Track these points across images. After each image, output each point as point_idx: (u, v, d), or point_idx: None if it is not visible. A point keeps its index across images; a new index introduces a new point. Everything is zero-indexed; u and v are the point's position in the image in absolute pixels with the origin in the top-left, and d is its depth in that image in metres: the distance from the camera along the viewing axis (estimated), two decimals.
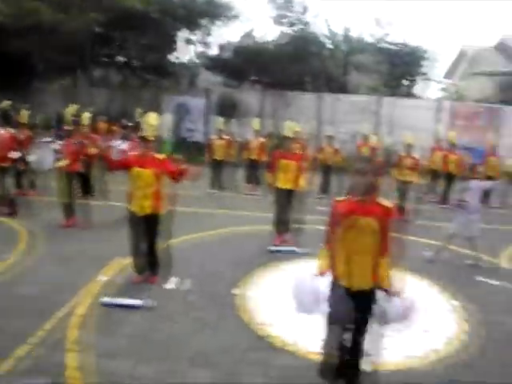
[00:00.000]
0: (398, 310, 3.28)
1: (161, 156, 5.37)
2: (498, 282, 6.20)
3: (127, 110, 16.55)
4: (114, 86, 20.52)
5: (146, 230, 5.30)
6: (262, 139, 12.10)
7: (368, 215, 3.20)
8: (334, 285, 3.37)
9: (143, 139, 5.23)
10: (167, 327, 4.43)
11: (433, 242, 7.44)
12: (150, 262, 5.46)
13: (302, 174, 7.28)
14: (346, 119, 17.27)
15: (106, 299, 4.85)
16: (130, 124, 12.20)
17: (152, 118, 5.35)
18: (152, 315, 4.65)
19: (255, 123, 12.05)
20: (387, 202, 3.31)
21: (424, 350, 4.25)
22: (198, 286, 5.45)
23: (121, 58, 20.95)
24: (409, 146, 9.79)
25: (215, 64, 21.27)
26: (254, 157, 11.84)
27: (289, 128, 7.31)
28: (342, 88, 20.76)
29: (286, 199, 7.25)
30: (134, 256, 5.41)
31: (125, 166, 5.30)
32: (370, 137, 11.97)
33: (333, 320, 3.36)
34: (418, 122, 16.55)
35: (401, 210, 9.46)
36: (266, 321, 4.63)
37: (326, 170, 11.84)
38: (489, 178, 11.67)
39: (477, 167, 7.15)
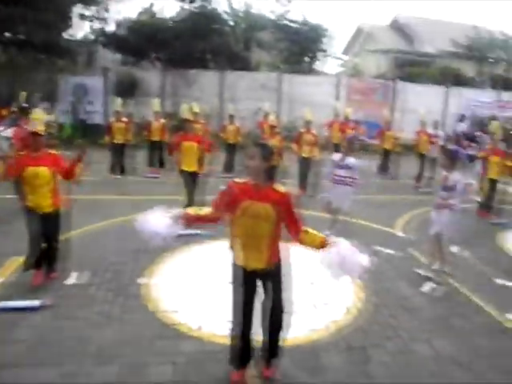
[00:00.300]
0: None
1: (53, 152, 5.01)
2: (392, 251, 6.65)
3: (17, 92, 15.29)
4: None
5: (47, 227, 4.93)
6: (162, 120, 11.76)
7: (262, 201, 3.18)
8: (235, 267, 3.38)
9: (34, 134, 4.80)
10: (69, 325, 4.21)
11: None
12: (49, 258, 5.12)
13: (203, 155, 7.25)
14: (247, 96, 17.41)
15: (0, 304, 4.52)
16: (15, 109, 11.23)
17: (39, 113, 5.01)
18: (52, 314, 4.39)
19: (155, 104, 11.68)
20: (284, 188, 3.28)
21: (325, 322, 4.47)
22: (101, 278, 5.24)
23: (7, 35, 19.11)
24: (308, 123, 10.04)
25: (113, 41, 20.20)
26: (155, 138, 11.50)
27: (187, 110, 7.22)
28: (244, 65, 20.77)
29: (192, 182, 7.24)
30: (32, 253, 4.94)
31: (17, 171, 4.81)
32: (271, 114, 12.16)
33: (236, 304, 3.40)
34: (318, 97, 17.15)
35: (302, 185, 9.80)
36: (171, 308, 4.59)
37: (230, 148, 11.88)
38: (385, 151, 12.50)
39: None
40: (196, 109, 11.27)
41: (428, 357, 4.00)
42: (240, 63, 20.75)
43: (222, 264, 5.63)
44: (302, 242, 3.31)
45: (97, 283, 5.12)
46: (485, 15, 60.61)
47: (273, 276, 3.37)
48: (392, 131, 12.85)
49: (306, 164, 9.88)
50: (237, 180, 3.34)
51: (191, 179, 7.19)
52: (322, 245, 3.26)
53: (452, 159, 5.74)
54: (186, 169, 7.14)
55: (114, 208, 8.12)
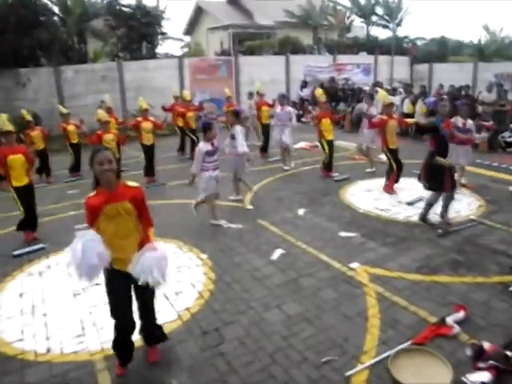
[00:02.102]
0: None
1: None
2: (234, 225, 6.84)
3: None
4: None
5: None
6: None
7: (120, 200, 3.28)
8: (108, 272, 3.39)
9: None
10: None
11: (186, 200, 7.75)
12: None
13: (31, 165, 6.85)
14: (89, 90, 16.51)
15: None
16: None
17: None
18: None
19: None
20: (134, 183, 3.45)
21: (177, 312, 4.46)
22: None
23: None
24: (145, 111, 9.84)
25: None
26: None
27: (3, 122, 6.65)
28: (81, 58, 19.59)
29: (29, 195, 6.71)
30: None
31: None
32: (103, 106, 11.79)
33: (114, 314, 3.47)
34: (162, 81, 16.86)
35: (150, 173, 9.66)
36: (15, 338, 4.21)
37: (75, 148, 11.09)
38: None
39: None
40: (28, 116, 10.46)
41: (279, 321, 4.20)
42: (76, 56, 19.52)
43: (68, 276, 5.39)
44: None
45: None
46: None
47: None
48: (233, 105, 12.93)
49: (149, 151, 9.75)
50: (90, 195, 3.36)
51: (26, 194, 6.67)
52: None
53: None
54: (16, 184, 6.61)
55: None
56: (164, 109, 12.43)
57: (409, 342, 3.75)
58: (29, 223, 6.77)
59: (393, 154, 8.03)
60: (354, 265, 5.29)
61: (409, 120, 8.30)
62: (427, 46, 27.24)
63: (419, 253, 5.58)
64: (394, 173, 8.10)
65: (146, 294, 3.54)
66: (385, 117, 7.96)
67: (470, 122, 7.80)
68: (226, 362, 3.67)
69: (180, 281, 5.11)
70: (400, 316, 4.20)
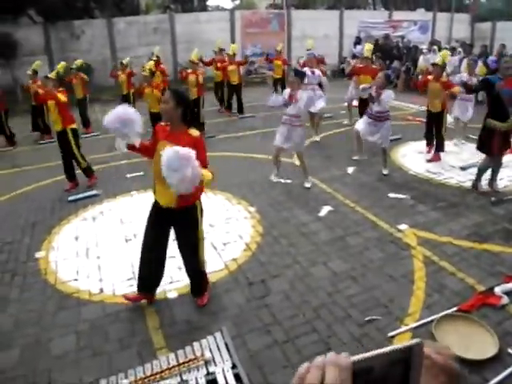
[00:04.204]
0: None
1: None
2: (289, 181, 6.82)
3: None
4: None
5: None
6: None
7: (175, 143, 3.25)
8: (152, 206, 3.67)
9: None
10: None
11: (235, 153, 7.79)
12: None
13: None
14: (140, 42, 16.58)
15: None
16: None
17: None
18: None
19: (36, 64, 10.40)
20: (196, 132, 3.48)
21: (224, 262, 4.57)
22: None
23: None
24: (193, 63, 9.80)
25: None
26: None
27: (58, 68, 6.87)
28: (133, 10, 19.63)
29: (62, 142, 6.87)
30: None
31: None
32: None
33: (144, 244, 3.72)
34: (213, 34, 16.65)
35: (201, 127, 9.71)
36: (71, 277, 4.46)
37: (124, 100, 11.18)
38: (275, 80, 12.53)
39: None
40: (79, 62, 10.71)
41: (325, 277, 4.23)
42: (129, 8, 19.57)
43: (121, 222, 5.61)
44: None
45: None
46: None
47: (181, 217, 3.58)
48: (281, 59, 12.66)
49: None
50: (162, 123, 3.60)
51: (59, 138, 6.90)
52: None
53: (299, 77, 6.28)
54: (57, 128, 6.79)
55: (6, 183, 7.57)
56: (203, 62, 12.16)
57: (454, 309, 3.70)
58: (66, 171, 6.95)
59: (431, 118, 7.59)
60: (403, 226, 5.21)
61: (454, 87, 7.55)
62: (490, 2, 25.50)
63: (470, 219, 5.41)
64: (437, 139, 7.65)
65: (183, 236, 3.67)
66: (430, 77, 7.43)
67: None
68: (270, 313, 3.75)
69: (228, 232, 5.21)
70: (447, 281, 4.12)
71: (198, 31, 17.20)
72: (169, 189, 3.21)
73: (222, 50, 12.37)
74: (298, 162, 6.86)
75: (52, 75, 6.98)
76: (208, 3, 22.87)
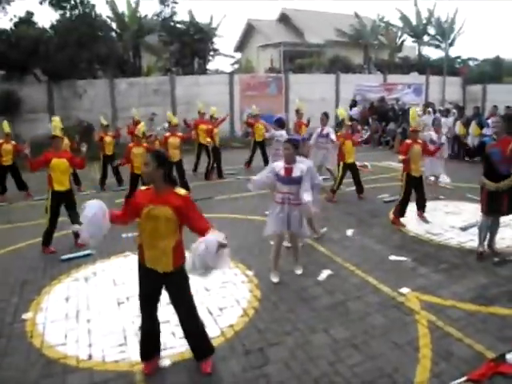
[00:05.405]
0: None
1: None
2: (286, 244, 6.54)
3: None
4: None
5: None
6: (13, 142, 10.40)
7: (163, 204, 3.34)
8: (141, 268, 3.57)
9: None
10: None
11: (232, 215, 7.71)
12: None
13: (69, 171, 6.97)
14: (140, 103, 16.92)
15: None
16: None
17: None
18: None
19: (4, 125, 10.24)
20: (183, 191, 3.49)
21: (220, 328, 4.36)
22: None
23: None
24: (174, 126, 10.00)
25: None
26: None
27: (54, 127, 6.77)
28: (135, 71, 20.21)
29: (68, 201, 6.83)
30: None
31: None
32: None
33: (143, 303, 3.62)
34: (213, 97, 17.04)
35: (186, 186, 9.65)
36: (59, 341, 4.23)
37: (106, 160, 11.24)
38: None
39: None
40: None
41: (326, 345, 4.02)
42: (131, 70, 20.16)
43: (113, 284, 5.42)
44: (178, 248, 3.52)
45: None
46: (363, 3, 63.94)
47: (177, 278, 3.52)
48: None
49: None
50: (142, 188, 3.63)
51: (65, 198, 6.81)
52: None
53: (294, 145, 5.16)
54: (58, 188, 6.68)
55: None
56: (186, 124, 12.25)
57: (464, 378, 3.49)
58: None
59: (411, 183, 7.30)
60: (405, 290, 5.04)
61: (431, 147, 7.66)
62: (480, 66, 26.50)
63: (474, 281, 5.27)
64: (399, 203, 7.48)
65: (179, 297, 3.59)
66: (409, 141, 7.31)
67: None
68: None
69: (225, 296, 5.02)
70: (454, 348, 3.93)
71: (198, 93, 17.60)
72: (164, 253, 3.37)
73: (203, 114, 12.26)
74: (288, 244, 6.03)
75: (57, 134, 6.83)
76: (208, 66, 23.58)
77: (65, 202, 6.78)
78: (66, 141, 10.13)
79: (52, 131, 6.76)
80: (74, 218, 6.70)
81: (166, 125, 11.65)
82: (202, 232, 3.30)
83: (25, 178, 10.48)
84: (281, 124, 8.89)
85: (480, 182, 5.86)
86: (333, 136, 9.44)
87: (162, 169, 3.38)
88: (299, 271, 5.61)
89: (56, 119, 6.98)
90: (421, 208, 7.61)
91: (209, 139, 11.16)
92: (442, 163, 8.92)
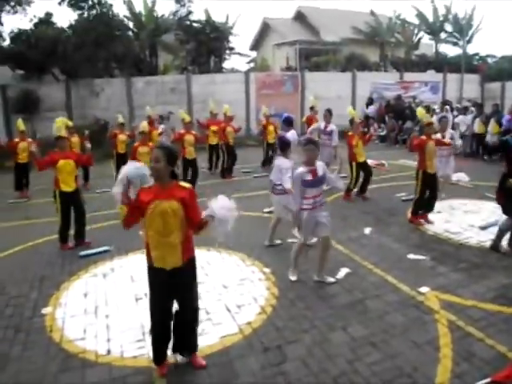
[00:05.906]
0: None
1: None
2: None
3: None
4: None
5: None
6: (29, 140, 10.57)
7: (168, 198, 3.34)
8: (150, 270, 3.55)
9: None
10: None
11: (249, 213, 7.69)
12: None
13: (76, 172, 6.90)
14: (157, 101, 17.00)
15: None
16: None
17: None
18: None
19: (19, 123, 10.43)
20: (187, 185, 3.52)
21: (238, 325, 4.34)
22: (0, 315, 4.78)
23: None
24: (188, 123, 9.99)
25: (10, 57, 18.71)
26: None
27: (58, 128, 6.69)
28: (151, 70, 20.31)
29: (76, 201, 6.83)
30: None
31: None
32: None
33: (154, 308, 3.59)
34: (228, 95, 17.06)
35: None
36: (78, 336, 4.26)
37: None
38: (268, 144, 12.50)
39: None
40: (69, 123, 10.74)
41: (344, 343, 3.98)
42: (147, 69, 20.27)
43: (131, 280, 5.45)
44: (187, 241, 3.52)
45: None
46: (379, 1, 63.28)
47: (186, 272, 3.51)
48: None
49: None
50: (144, 186, 3.54)
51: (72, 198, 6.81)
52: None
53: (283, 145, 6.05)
54: (65, 189, 6.69)
55: (17, 235, 7.51)
56: (200, 124, 12.17)
57: (487, 380, 3.42)
58: (77, 231, 6.87)
59: (428, 180, 7.16)
60: (424, 289, 4.97)
61: (445, 140, 7.53)
62: (499, 63, 26.09)
63: (495, 281, 5.17)
64: (414, 203, 7.37)
65: (186, 290, 3.58)
66: (424, 137, 7.17)
67: None
68: (286, 382, 3.49)
69: (242, 294, 5.00)
70: (475, 348, 3.86)
71: (214, 92, 17.65)
72: (173, 248, 3.36)
73: (215, 115, 12.18)
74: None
75: (62, 135, 6.79)
76: (224, 65, 23.60)
77: (72, 202, 6.78)
78: (76, 139, 10.28)
79: (56, 132, 6.66)
80: (79, 218, 6.79)
81: (163, 126, 11.91)
82: (199, 225, 3.46)
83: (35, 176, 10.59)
84: (289, 123, 8.83)
85: (509, 184, 5.66)
86: (336, 137, 9.77)
87: (171, 166, 3.40)
88: (331, 279, 5.27)
89: (59, 120, 6.86)
90: (429, 209, 7.44)
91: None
92: (450, 163, 8.52)
